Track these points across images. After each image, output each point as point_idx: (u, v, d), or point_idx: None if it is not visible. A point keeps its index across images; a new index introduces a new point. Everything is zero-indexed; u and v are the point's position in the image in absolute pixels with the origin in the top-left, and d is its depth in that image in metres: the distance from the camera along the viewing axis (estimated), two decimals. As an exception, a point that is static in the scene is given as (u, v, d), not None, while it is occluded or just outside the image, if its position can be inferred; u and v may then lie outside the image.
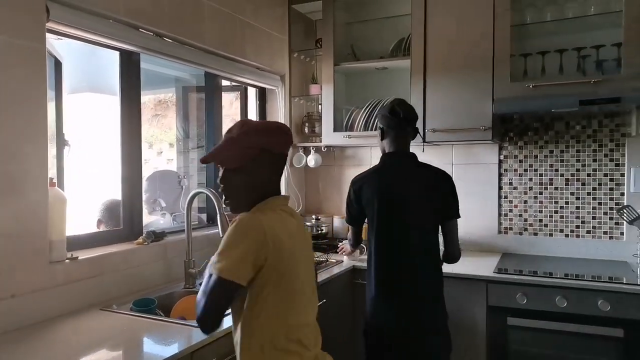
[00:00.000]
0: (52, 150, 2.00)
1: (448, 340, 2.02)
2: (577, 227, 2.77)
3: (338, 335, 2.54)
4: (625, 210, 2.50)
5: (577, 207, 2.77)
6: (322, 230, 3.21)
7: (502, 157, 2.94)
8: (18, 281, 1.64)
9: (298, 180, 3.38)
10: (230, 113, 3.26)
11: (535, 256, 2.79)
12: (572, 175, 2.78)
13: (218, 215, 2.08)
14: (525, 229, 2.88)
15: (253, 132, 1.36)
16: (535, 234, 2.86)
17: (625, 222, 2.56)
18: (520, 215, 2.89)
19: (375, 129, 2.21)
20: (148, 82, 3.02)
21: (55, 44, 2.10)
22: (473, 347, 2.41)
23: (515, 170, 2.91)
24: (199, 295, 1.28)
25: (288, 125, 3.21)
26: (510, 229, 2.92)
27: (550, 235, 2.83)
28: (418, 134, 2.12)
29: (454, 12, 2.66)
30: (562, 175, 2.81)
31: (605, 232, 2.71)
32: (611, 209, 2.69)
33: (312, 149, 3.31)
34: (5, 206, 1.60)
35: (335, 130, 3.03)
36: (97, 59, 2.85)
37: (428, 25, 2.73)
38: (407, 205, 2.01)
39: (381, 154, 2.13)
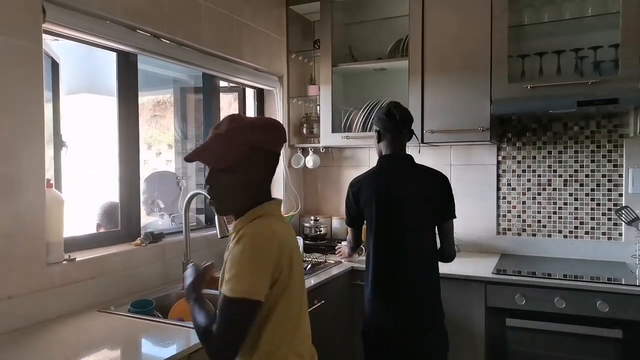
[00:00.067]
0: (49, 152, 1.99)
1: (446, 340, 2.04)
2: (576, 228, 2.77)
3: (337, 336, 2.54)
4: (623, 211, 2.50)
5: (576, 208, 2.77)
6: (321, 231, 3.21)
7: (500, 158, 2.94)
8: (15, 282, 1.63)
9: (296, 181, 3.37)
10: (228, 114, 3.25)
11: (534, 257, 2.79)
12: (571, 176, 2.78)
13: (216, 217, 2.08)
14: (524, 230, 2.88)
15: (243, 128, 1.25)
16: (534, 235, 2.86)
17: (623, 223, 2.56)
18: (519, 216, 2.89)
19: (372, 131, 2.22)
20: (146, 83, 3.02)
21: (53, 45, 2.09)
22: (472, 348, 2.41)
23: (514, 171, 2.91)
24: (203, 325, 1.19)
25: (286, 126, 3.22)
26: (509, 229, 2.92)
27: (549, 236, 2.83)
28: (414, 136, 2.15)
29: (452, 13, 2.67)
30: (560, 176, 2.81)
31: (603, 233, 2.71)
32: (609, 209, 2.69)
33: (311, 149, 3.31)
34: (2, 207, 1.60)
35: (333, 131, 3.03)
36: (94, 60, 2.85)
37: (426, 26, 2.73)
38: (405, 206, 2.03)
39: (378, 156, 2.15)
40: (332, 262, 2.70)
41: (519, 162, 2.90)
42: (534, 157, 2.86)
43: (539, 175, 2.85)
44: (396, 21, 3.06)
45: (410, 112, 2.15)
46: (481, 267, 2.51)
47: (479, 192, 2.96)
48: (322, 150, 3.22)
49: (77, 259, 1.86)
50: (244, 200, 1.28)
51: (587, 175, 2.75)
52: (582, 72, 2.59)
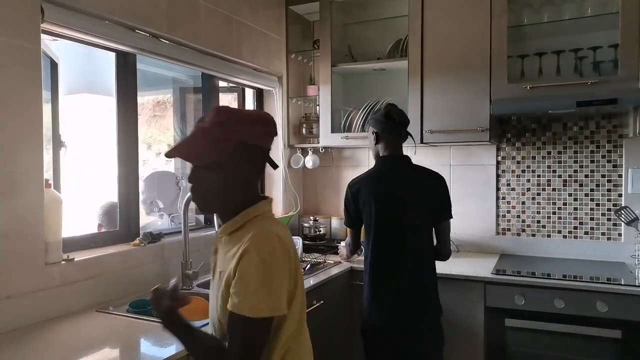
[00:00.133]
0: (48, 152, 1.99)
1: (441, 335, 2.10)
2: (575, 228, 2.77)
3: (336, 336, 2.53)
4: (623, 212, 2.50)
5: (575, 208, 2.77)
6: (320, 231, 3.21)
7: (499, 158, 2.94)
8: (14, 282, 1.63)
9: (296, 182, 3.37)
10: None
11: (533, 257, 2.79)
12: (570, 176, 2.78)
13: (215, 216, 2.08)
14: (523, 230, 2.88)
15: (230, 122, 1.15)
16: (533, 235, 2.86)
17: (623, 223, 2.56)
18: (518, 217, 2.89)
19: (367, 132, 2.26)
20: (146, 83, 3.02)
21: (52, 45, 2.09)
22: (471, 348, 2.40)
23: (513, 172, 2.91)
24: (209, 349, 1.13)
25: (285, 126, 3.22)
26: (508, 230, 2.92)
27: (548, 236, 2.82)
28: (410, 137, 2.21)
29: (451, 13, 2.66)
30: (559, 176, 2.80)
31: (603, 233, 2.71)
32: (609, 210, 2.69)
33: (310, 150, 3.31)
34: (1, 207, 1.60)
35: (332, 131, 3.03)
36: (94, 60, 2.85)
37: (425, 26, 2.73)
38: (404, 207, 2.07)
39: (374, 157, 2.19)
40: (332, 262, 2.70)
41: (518, 162, 2.89)
42: (534, 158, 2.86)
43: (539, 176, 2.85)
44: (395, 21, 3.06)
45: (406, 114, 2.20)
46: (480, 267, 2.51)
47: (478, 193, 2.96)
48: (322, 150, 3.22)
49: (75, 259, 1.86)
50: (230, 200, 1.19)
51: (586, 176, 2.75)
52: (581, 72, 2.59)
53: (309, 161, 3.28)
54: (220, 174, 1.16)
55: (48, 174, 1.93)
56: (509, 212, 2.91)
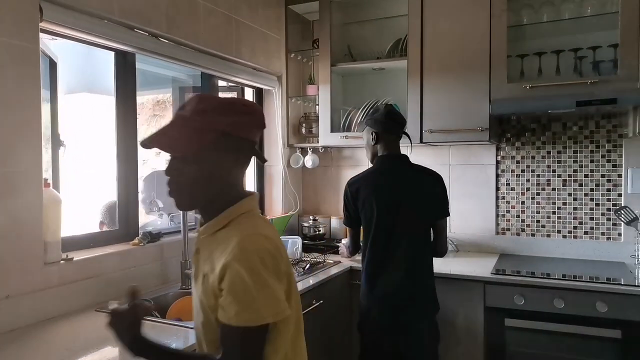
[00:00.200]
0: (47, 151, 1.99)
1: (437, 332, 2.15)
2: (575, 228, 2.77)
3: (335, 336, 2.53)
4: (622, 211, 2.50)
5: (575, 208, 2.77)
6: (320, 231, 3.21)
7: (499, 158, 2.93)
8: (13, 282, 1.63)
9: (295, 181, 3.37)
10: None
11: (533, 257, 2.79)
12: (570, 176, 2.78)
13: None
14: (523, 230, 2.88)
15: (212, 111, 1.05)
16: (533, 235, 2.86)
17: (622, 223, 2.56)
18: (518, 216, 2.89)
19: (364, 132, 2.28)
20: (146, 83, 3.02)
21: (51, 45, 2.09)
22: (471, 348, 2.40)
23: (513, 171, 2.91)
24: None
25: (284, 126, 3.22)
26: (508, 229, 2.91)
27: (548, 236, 2.82)
28: (408, 137, 2.26)
29: (451, 13, 2.66)
30: (559, 176, 2.80)
31: (603, 233, 2.71)
32: (609, 209, 2.69)
33: (310, 149, 3.30)
34: (0, 207, 1.59)
35: (332, 130, 3.02)
36: (93, 59, 2.84)
37: (425, 25, 2.73)
38: (403, 205, 2.10)
39: (371, 157, 2.23)
40: (331, 262, 2.69)
41: (518, 162, 2.89)
42: (533, 157, 2.86)
43: (538, 175, 2.85)
44: (395, 21, 3.06)
45: (406, 113, 2.27)
46: (480, 267, 2.51)
47: (478, 192, 2.96)
48: (321, 150, 3.22)
49: (74, 259, 1.86)
50: (211, 195, 1.10)
51: (586, 175, 2.75)
52: (581, 72, 2.59)
53: (309, 161, 3.28)
54: (200, 167, 1.06)
55: (47, 173, 1.93)
56: (508, 211, 2.91)
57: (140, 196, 2.38)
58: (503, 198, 2.92)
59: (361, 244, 2.25)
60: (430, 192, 2.14)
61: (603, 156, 2.70)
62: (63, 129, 2.13)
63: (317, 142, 3.15)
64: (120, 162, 2.21)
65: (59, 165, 2.11)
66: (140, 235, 2.21)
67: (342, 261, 2.71)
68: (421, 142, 2.73)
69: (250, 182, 3.24)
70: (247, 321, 0.99)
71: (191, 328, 1.52)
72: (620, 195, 2.67)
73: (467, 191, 2.96)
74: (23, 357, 1.43)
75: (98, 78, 2.91)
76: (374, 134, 2.17)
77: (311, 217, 3.25)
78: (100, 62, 2.79)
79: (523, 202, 2.88)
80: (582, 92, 2.36)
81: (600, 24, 2.52)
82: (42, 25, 1.73)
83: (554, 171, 2.81)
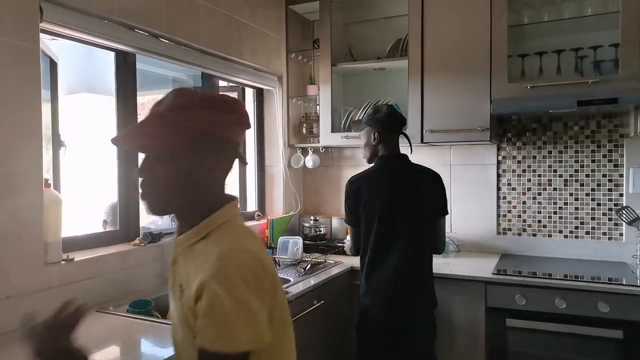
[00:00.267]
0: (48, 151, 1.99)
1: (434, 328, 2.16)
2: (576, 228, 2.76)
3: (336, 336, 2.53)
4: (624, 211, 2.49)
5: (576, 208, 2.76)
6: (321, 231, 3.20)
7: (500, 158, 2.93)
8: (13, 283, 1.63)
9: (296, 181, 3.37)
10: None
11: (534, 257, 2.78)
12: (571, 176, 2.78)
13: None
14: (524, 230, 2.87)
15: (191, 107, 0.96)
16: (534, 235, 2.85)
17: (624, 223, 2.55)
18: (519, 216, 2.88)
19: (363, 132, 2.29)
20: (146, 83, 3.01)
21: (51, 45, 2.08)
22: (472, 348, 2.40)
23: (514, 171, 2.90)
24: None
25: (285, 126, 3.22)
26: (509, 229, 2.91)
27: (549, 236, 2.82)
28: (406, 138, 2.27)
29: (451, 13, 2.66)
30: (560, 176, 2.80)
31: (604, 233, 2.71)
32: (610, 209, 2.69)
33: (310, 149, 3.30)
34: (0, 207, 1.59)
35: (333, 131, 3.02)
36: (94, 59, 2.84)
37: (425, 25, 2.72)
38: (403, 204, 2.12)
39: (370, 156, 2.24)
40: (332, 262, 2.69)
41: (519, 161, 2.89)
42: (534, 157, 2.85)
43: (539, 175, 2.84)
44: (395, 21, 3.05)
45: (407, 113, 2.27)
46: (481, 267, 2.50)
47: (479, 192, 2.95)
48: (322, 150, 3.22)
49: (75, 259, 1.85)
50: (186, 200, 1.01)
51: (587, 175, 2.74)
52: (582, 71, 2.58)
53: (309, 161, 3.28)
54: (176, 168, 0.97)
55: (48, 173, 1.93)
56: (509, 211, 2.91)
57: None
58: (504, 198, 2.92)
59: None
60: (430, 192, 2.16)
61: (604, 156, 2.70)
62: (64, 130, 2.13)
63: (318, 142, 3.14)
64: (121, 163, 2.21)
65: (59, 166, 2.11)
66: (141, 236, 2.21)
67: (343, 261, 2.71)
68: (422, 142, 2.72)
69: (250, 183, 3.24)
70: (225, 347, 0.89)
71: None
72: (621, 195, 2.66)
73: (468, 191, 2.96)
74: (23, 358, 1.43)
75: (98, 78, 2.90)
76: (375, 134, 2.18)
77: (312, 218, 3.25)
78: (100, 63, 2.78)
79: (524, 202, 2.87)
80: (583, 91, 2.35)
81: (601, 24, 2.51)
82: (42, 25, 1.73)
83: (555, 171, 2.81)
